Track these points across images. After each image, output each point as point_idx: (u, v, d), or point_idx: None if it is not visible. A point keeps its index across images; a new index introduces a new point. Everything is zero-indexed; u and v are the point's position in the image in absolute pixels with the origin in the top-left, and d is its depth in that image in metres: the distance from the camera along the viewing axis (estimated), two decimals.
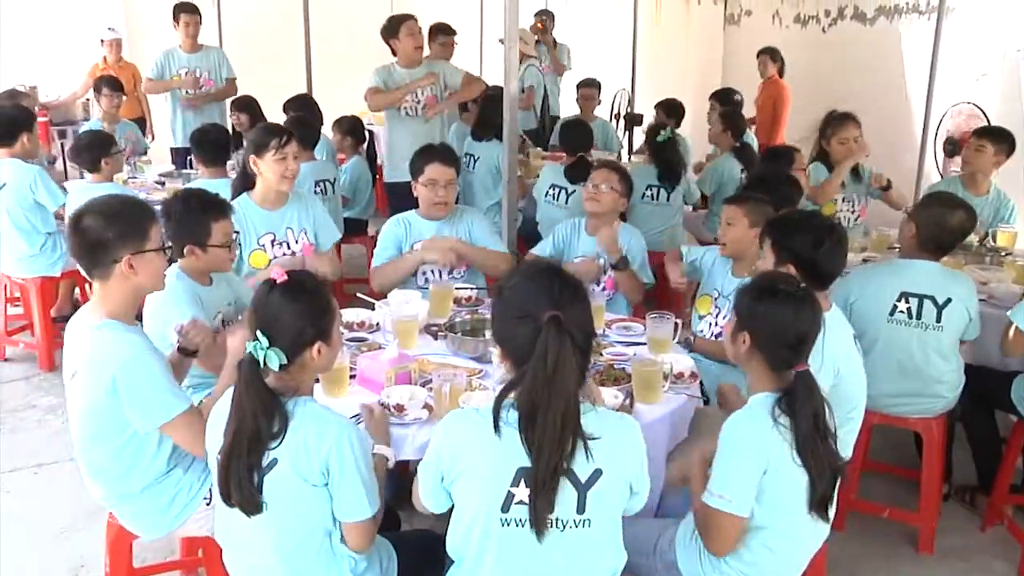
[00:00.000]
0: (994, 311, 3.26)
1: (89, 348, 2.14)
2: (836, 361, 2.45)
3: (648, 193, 4.82)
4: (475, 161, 5.35)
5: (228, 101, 6.15)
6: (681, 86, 8.12)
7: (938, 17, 5.47)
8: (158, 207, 2.50)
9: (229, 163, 4.82)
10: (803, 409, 1.96)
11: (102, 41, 7.15)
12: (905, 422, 3.12)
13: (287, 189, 3.45)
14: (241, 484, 1.84)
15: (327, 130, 5.70)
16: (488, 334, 2.69)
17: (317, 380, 2.22)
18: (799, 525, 2.04)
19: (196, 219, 2.72)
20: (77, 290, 5.05)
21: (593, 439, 1.72)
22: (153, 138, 7.25)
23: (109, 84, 6.09)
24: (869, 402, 2.67)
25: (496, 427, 1.72)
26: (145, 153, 6.36)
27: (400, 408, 2.31)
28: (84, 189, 4.48)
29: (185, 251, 2.72)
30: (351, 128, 5.78)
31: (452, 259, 3.37)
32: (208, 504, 2.28)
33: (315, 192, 4.67)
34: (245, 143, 3.68)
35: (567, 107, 7.74)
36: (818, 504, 2.00)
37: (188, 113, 6.20)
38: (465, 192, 5.23)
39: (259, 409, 1.82)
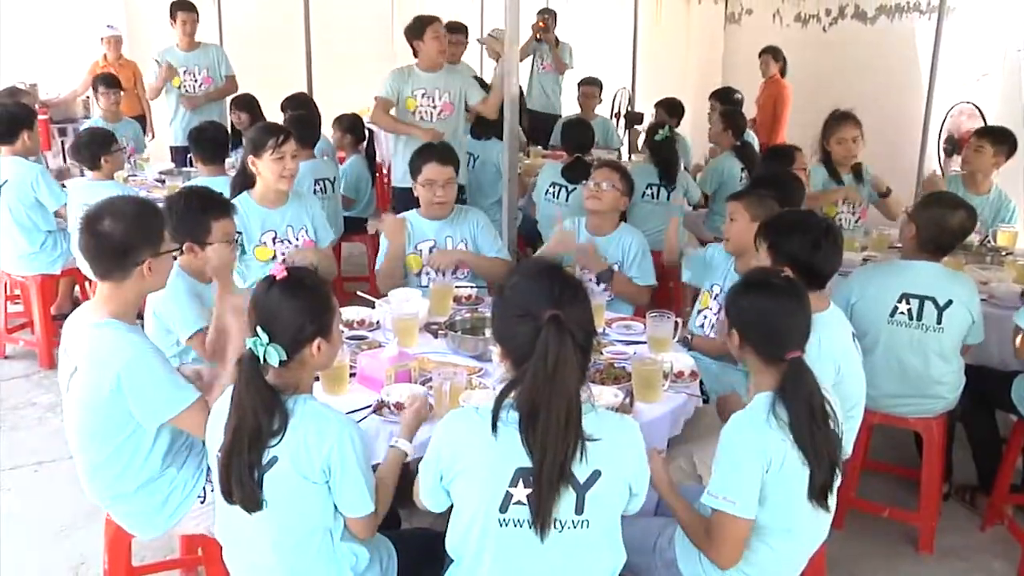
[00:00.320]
0: (995, 311, 3.26)
1: (91, 346, 2.13)
2: (836, 358, 2.45)
3: (648, 192, 4.81)
4: (475, 160, 5.33)
5: (228, 99, 6.14)
6: (681, 85, 8.12)
7: (939, 17, 5.46)
8: (160, 204, 2.50)
9: (228, 161, 4.82)
10: (797, 394, 1.96)
11: (102, 39, 7.14)
12: (905, 422, 3.12)
13: (286, 188, 3.45)
14: (242, 481, 1.84)
15: (326, 129, 5.68)
16: (488, 332, 2.70)
17: (317, 378, 2.22)
18: (800, 522, 2.03)
19: (196, 217, 2.72)
20: (77, 288, 5.05)
21: (593, 440, 1.71)
22: (153, 136, 7.24)
23: (105, 82, 6.08)
24: (869, 402, 2.67)
25: (494, 427, 1.72)
26: (143, 151, 6.35)
27: (400, 406, 2.31)
28: (84, 187, 4.48)
29: (184, 248, 2.72)
30: (351, 126, 5.77)
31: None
32: (203, 502, 2.28)
33: (315, 191, 4.66)
34: (244, 142, 3.68)
35: (568, 106, 7.74)
36: (819, 493, 1.99)
37: (188, 111, 6.18)
38: (471, 190, 5.19)
39: (259, 406, 1.82)
